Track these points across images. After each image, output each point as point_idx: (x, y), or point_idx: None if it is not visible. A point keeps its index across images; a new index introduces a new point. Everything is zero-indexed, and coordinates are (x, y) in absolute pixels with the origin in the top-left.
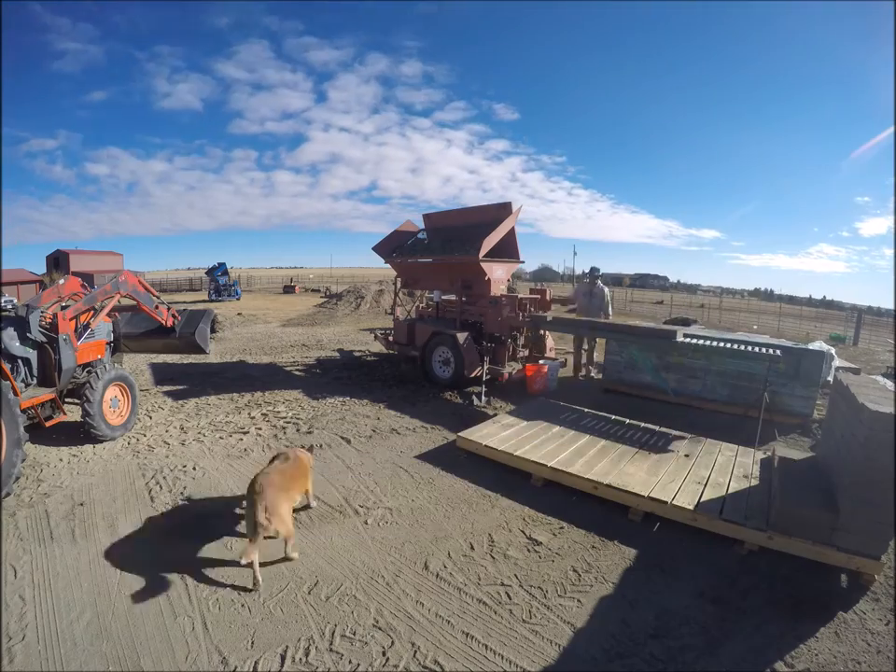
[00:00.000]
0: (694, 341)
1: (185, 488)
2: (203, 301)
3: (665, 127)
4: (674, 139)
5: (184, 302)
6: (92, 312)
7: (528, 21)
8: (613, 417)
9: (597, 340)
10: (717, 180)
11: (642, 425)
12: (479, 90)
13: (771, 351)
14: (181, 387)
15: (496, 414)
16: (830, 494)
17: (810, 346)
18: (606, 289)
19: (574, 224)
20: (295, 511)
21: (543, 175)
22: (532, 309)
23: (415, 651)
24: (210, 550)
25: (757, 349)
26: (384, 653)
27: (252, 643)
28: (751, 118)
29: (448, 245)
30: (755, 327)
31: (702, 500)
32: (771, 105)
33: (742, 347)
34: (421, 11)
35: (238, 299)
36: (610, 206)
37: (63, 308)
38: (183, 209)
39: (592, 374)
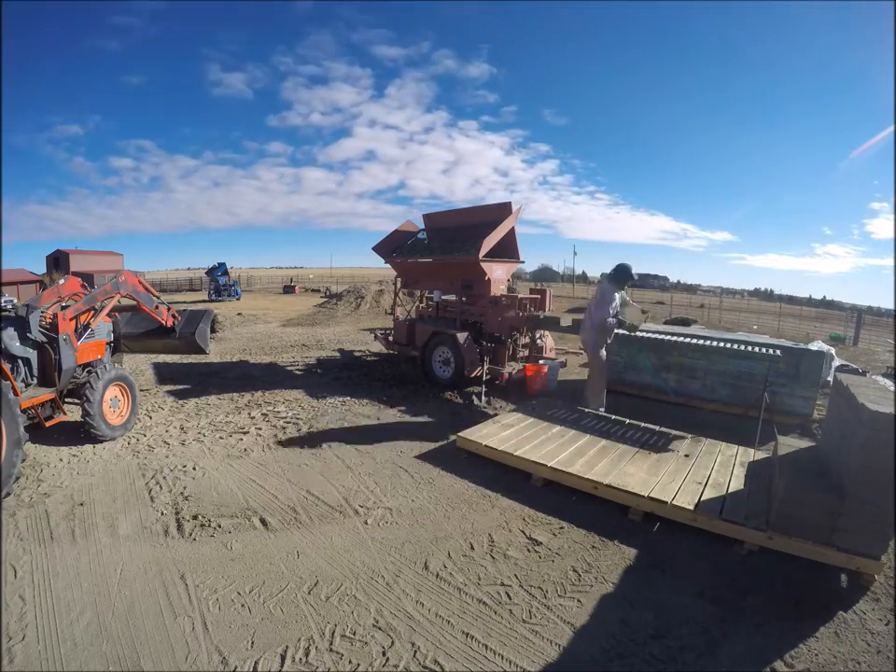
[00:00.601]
0: (694, 340)
1: (185, 488)
2: (203, 301)
3: (681, 131)
4: (690, 143)
5: (184, 302)
6: (92, 312)
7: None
8: (613, 417)
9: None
10: (731, 183)
11: (642, 425)
12: (533, 92)
13: (771, 351)
14: (181, 387)
15: (496, 414)
16: (830, 494)
17: (810, 346)
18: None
19: (591, 225)
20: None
21: (573, 179)
22: (532, 309)
23: (415, 651)
24: (210, 549)
25: (757, 349)
26: (384, 653)
27: (252, 643)
28: (762, 120)
29: (448, 245)
30: (755, 327)
31: (702, 500)
32: (781, 107)
33: (742, 347)
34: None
35: (238, 299)
36: (630, 210)
37: (63, 308)
38: (202, 206)
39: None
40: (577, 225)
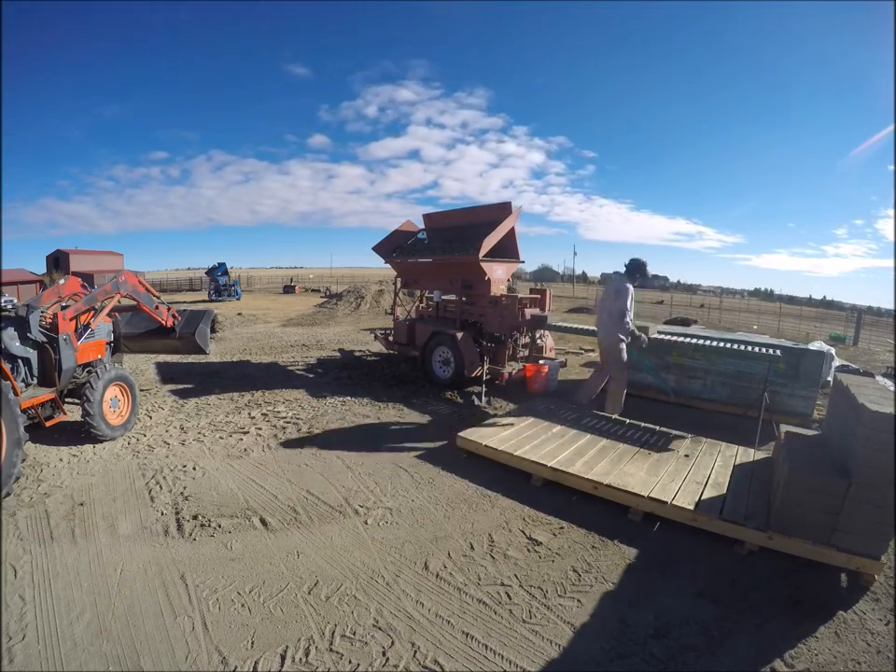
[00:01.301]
0: (694, 340)
1: (185, 488)
2: (203, 301)
3: (696, 133)
4: (710, 145)
5: (184, 302)
6: (92, 312)
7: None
8: (613, 417)
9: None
10: (748, 185)
11: (642, 425)
12: (582, 101)
13: (771, 351)
14: (181, 387)
15: (496, 414)
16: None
17: (810, 346)
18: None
19: (609, 227)
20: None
21: (605, 183)
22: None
23: (415, 651)
24: (210, 549)
25: (757, 349)
26: (384, 653)
27: (252, 643)
28: (770, 120)
29: (448, 244)
30: (755, 327)
31: (702, 500)
32: (788, 107)
33: (742, 347)
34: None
35: (238, 299)
36: (650, 213)
37: (63, 308)
38: (223, 202)
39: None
40: (596, 226)
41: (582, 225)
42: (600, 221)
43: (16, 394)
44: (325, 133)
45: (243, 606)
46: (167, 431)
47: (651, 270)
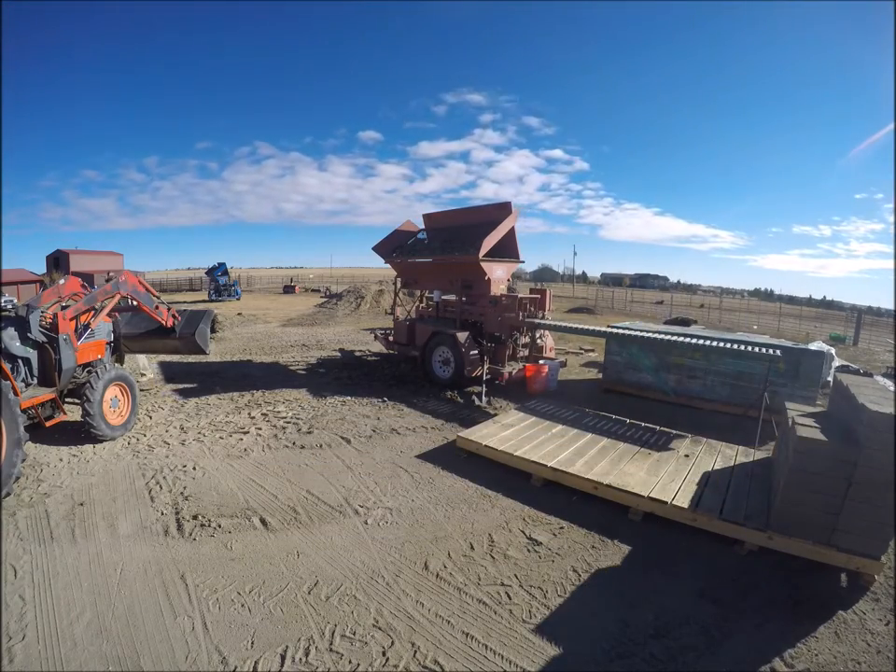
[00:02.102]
0: (694, 340)
1: (185, 488)
2: (203, 301)
3: (705, 134)
4: (709, 149)
5: (184, 302)
6: (92, 312)
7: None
8: (614, 417)
9: None
10: (754, 190)
11: (642, 424)
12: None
13: (771, 351)
14: (181, 387)
15: (496, 414)
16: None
17: (810, 346)
18: None
19: (629, 230)
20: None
21: (642, 188)
22: (532, 309)
23: (415, 651)
24: (210, 549)
25: (757, 349)
26: (384, 653)
27: (252, 643)
28: (778, 122)
29: (448, 244)
30: (755, 327)
31: (702, 500)
32: (796, 106)
33: (742, 347)
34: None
35: (238, 299)
36: (673, 217)
37: (64, 308)
38: (252, 199)
39: None
40: (616, 228)
41: (604, 227)
42: (621, 224)
43: (16, 394)
44: (379, 128)
45: (243, 606)
46: (167, 431)
47: (654, 270)
